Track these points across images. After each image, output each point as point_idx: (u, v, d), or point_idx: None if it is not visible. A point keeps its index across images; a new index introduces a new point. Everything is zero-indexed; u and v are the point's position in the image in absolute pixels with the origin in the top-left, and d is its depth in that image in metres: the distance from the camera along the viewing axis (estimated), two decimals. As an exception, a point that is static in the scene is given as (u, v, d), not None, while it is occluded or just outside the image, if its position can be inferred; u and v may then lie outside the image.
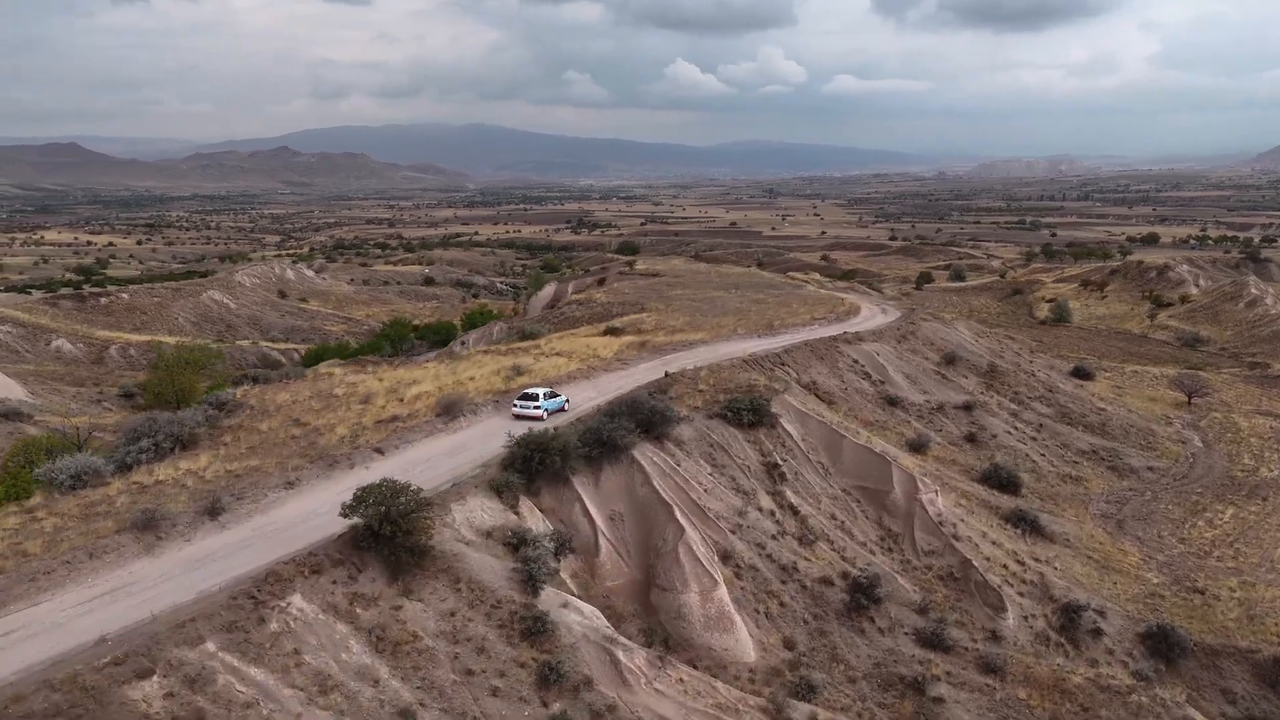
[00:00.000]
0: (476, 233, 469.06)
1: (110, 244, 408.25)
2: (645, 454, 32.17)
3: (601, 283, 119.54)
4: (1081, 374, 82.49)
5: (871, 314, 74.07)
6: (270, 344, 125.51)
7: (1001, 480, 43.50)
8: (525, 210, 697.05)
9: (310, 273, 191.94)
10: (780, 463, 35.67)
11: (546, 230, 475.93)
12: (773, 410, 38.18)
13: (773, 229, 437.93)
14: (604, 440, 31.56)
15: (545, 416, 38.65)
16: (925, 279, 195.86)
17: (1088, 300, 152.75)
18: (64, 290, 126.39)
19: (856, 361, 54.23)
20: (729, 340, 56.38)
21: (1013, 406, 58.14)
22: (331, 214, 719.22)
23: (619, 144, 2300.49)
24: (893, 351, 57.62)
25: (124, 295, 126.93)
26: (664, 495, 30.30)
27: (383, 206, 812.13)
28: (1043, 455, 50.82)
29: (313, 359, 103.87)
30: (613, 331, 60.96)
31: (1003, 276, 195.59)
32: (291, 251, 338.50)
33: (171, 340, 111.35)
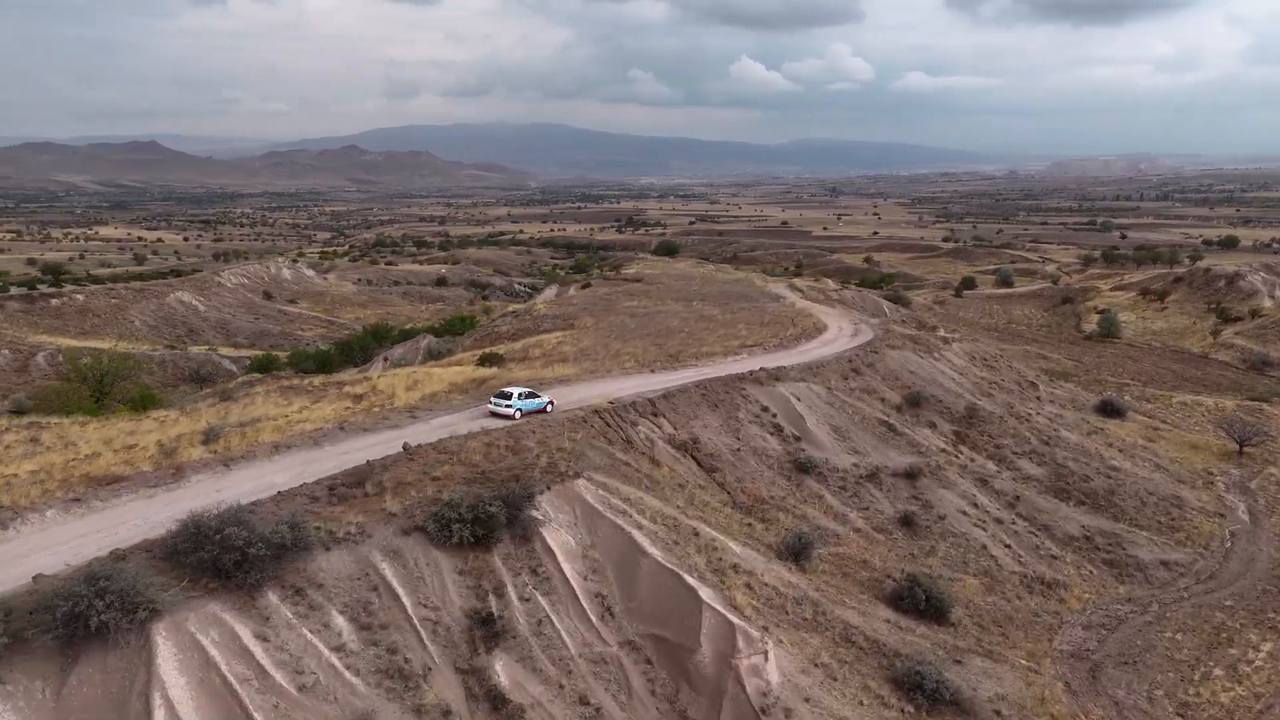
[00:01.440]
0: (521, 230, 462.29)
1: (159, 240, 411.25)
2: (193, 627, 18.62)
3: (585, 287, 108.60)
4: (1109, 410, 67.54)
5: (835, 337, 60.58)
6: (233, 349, 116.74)
7: (919, 603, 29.85)
8: (578, 209, 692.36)
9: (310, 272, 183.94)
10: (500, 613, 22.48)
11: (591, 229, 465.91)
12: (534, 513, 25.72)
13: (824, 229, 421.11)
14: (76, 614, 17.44)
15: (518, 416, 37.10)
16: (968, 284, 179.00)
17: (1144, 312, 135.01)
18: (14, 290, 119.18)
19: (766, 409, 41.08)
20: (612, 377, 43.75)
21: (986, 468, 44.22)
22: (389, 211, 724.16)
23: (683, 142, 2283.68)
24: (824, 394, 44.25)
25: (79, 297, 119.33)
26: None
27: (441, 204, 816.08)
28: (1007, 547, 36.98)
29: (258, 367, 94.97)
30: (489, 360, 48.90)
31: (1054, 282, 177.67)
32: (328, 249, 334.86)
33: (107, 346, 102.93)
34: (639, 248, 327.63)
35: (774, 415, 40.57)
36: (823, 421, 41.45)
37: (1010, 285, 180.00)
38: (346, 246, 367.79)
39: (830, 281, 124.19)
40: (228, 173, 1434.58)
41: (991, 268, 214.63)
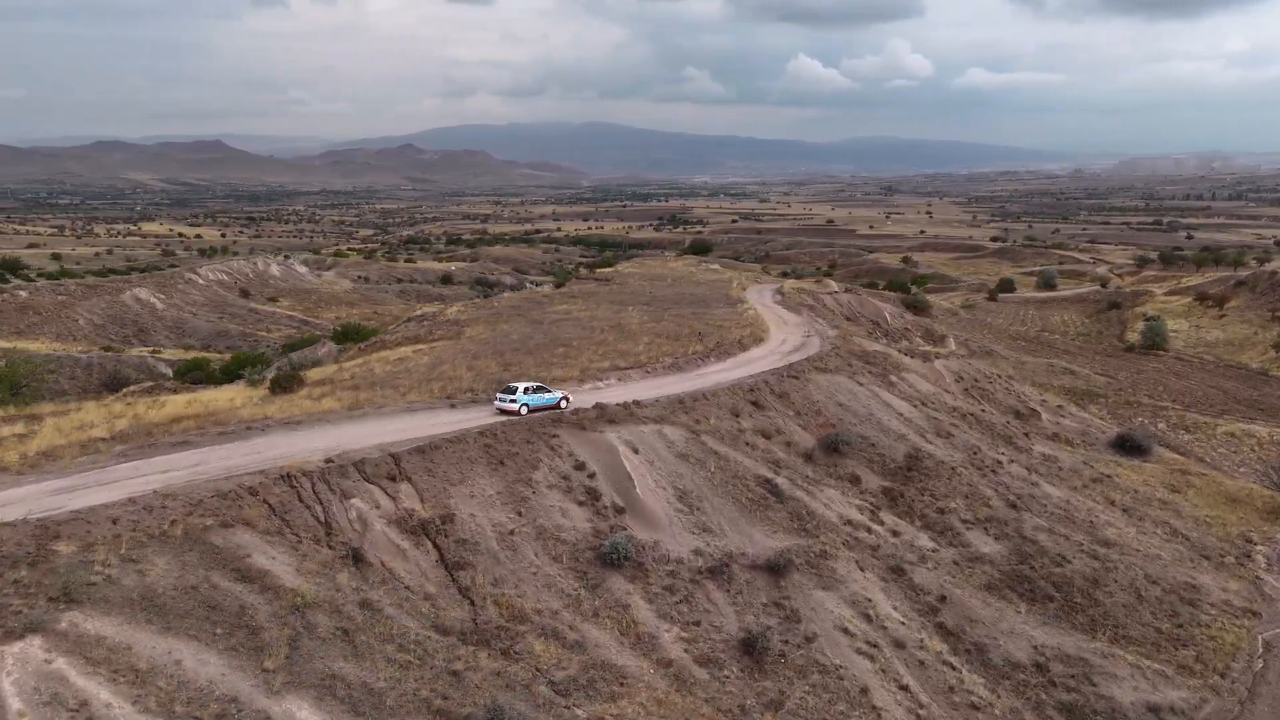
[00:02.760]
0: (559, 229, 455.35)
1: (198, 236, 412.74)
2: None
3: (559, 286, 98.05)
4: (1127, 447, 54.12)
5: (764, 354, 48.31)
6: (182, 351, 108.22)
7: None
8: (624, 207, 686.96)
9: (302, 269, 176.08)
10: None
11: (629, 227, 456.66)
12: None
13: (870, 227, 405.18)
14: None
15: (523, 412, 35.19)
16: (1005, 287, 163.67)
17: (1199, 319, 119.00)
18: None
19: (581, 467, 29.19)
20: (393, 414, 32.15)
21: (914, 547, 31.69)
22: (438, 210, 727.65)
23: (737, 141, 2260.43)
24: (682, 442, 32.05)
25: (21, 294, 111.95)
26: None
27: (490, 203, 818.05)
28: (903, 691, 24.47)
29: (185, 372, 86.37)
30: (281, 384, 37.81)
31: (1103, 285, 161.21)
32: (352, 246, 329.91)
33: (36, 345, 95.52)
34: (672, 246, 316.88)
35: (590, 475, 28.66)
36: (664, 484, 29.36)
37: (1053, 288, 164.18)
38: (371, 243, 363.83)
39: (834, 284, 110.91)
40: (287, 171, 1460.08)
41: (1037, 269, 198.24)
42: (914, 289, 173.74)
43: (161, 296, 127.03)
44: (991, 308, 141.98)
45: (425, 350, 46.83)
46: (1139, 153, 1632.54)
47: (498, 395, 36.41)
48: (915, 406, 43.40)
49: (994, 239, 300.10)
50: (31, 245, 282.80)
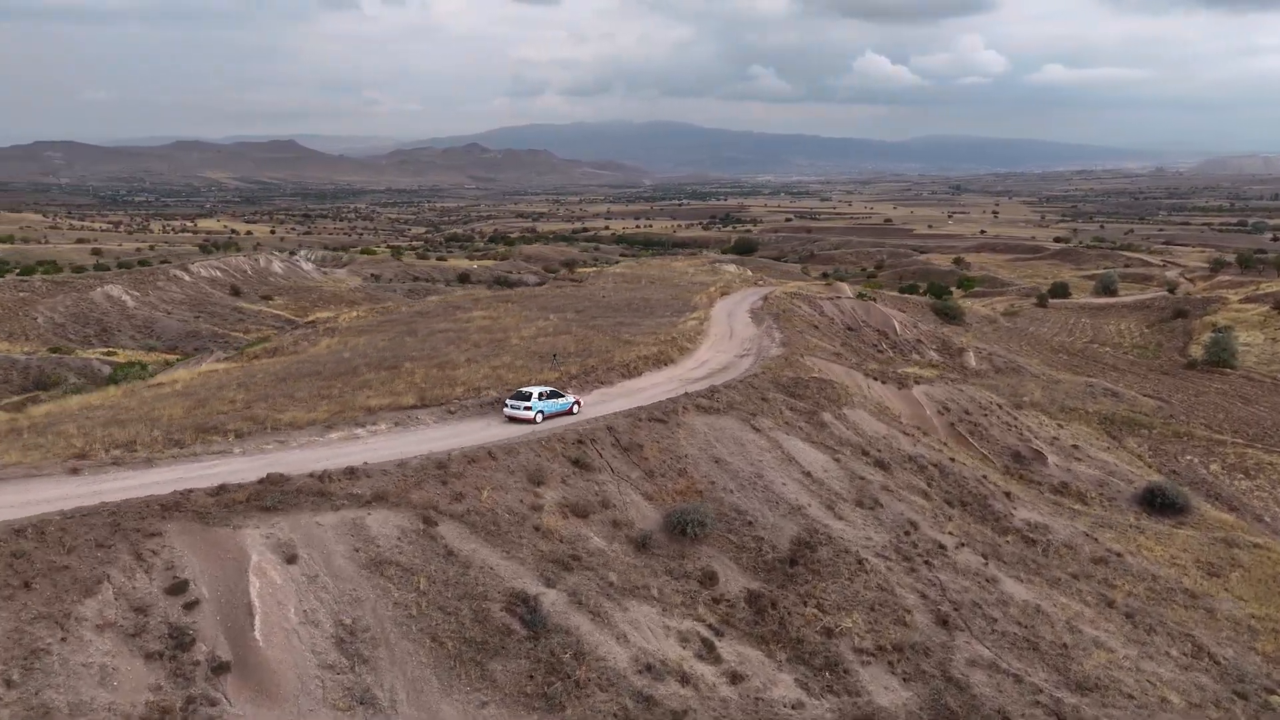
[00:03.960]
0: (607, 227, 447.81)
1: (249, 233, 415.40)
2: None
3: (540, 284, 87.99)
4: (1158, 504, 41.89)
5: (665, 380, 37.39)
6: (143, 352, 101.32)
7: None
8: (679, 206, 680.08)
9: (307, 266, 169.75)
10: None
11: (677, 226, 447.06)
12: None
13: (929, 227, 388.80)
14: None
15: (539, 419, 32.74)
16: (1058, 291, 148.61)
17: (1277, 332, 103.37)
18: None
19: (179, 588, 18.23)
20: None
21: (757, 709, 20.31)
22: (495, 208, 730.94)
23: (803, 139, 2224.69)
24: (394, 539, 20.91)
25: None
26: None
27: (548, 201, 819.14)
28: None
29: (121, 375, 79.07)
30: None
31: (1171, 291, 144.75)
32: (399, 244, 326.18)
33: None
34: (716, 245, 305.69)
35: (189, 605, 17.81)
36: (320, 617, 18.35)
37: (1112, 293, 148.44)
38: (416, 241, 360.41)
39: (848, 289, 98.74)
40: (356, 170, 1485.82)
41: (1097, 272, 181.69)
42: (957, 292, 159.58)
43: (135, 294, 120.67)
44: (1039, 315, 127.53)
45: (239, 370, 37.26)
46: (1225, 151, 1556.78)
47: (508, 401, 33.17)
48: (837, 460, 31.94)
49: (1057, 239, 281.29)
50: (80, 241, 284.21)
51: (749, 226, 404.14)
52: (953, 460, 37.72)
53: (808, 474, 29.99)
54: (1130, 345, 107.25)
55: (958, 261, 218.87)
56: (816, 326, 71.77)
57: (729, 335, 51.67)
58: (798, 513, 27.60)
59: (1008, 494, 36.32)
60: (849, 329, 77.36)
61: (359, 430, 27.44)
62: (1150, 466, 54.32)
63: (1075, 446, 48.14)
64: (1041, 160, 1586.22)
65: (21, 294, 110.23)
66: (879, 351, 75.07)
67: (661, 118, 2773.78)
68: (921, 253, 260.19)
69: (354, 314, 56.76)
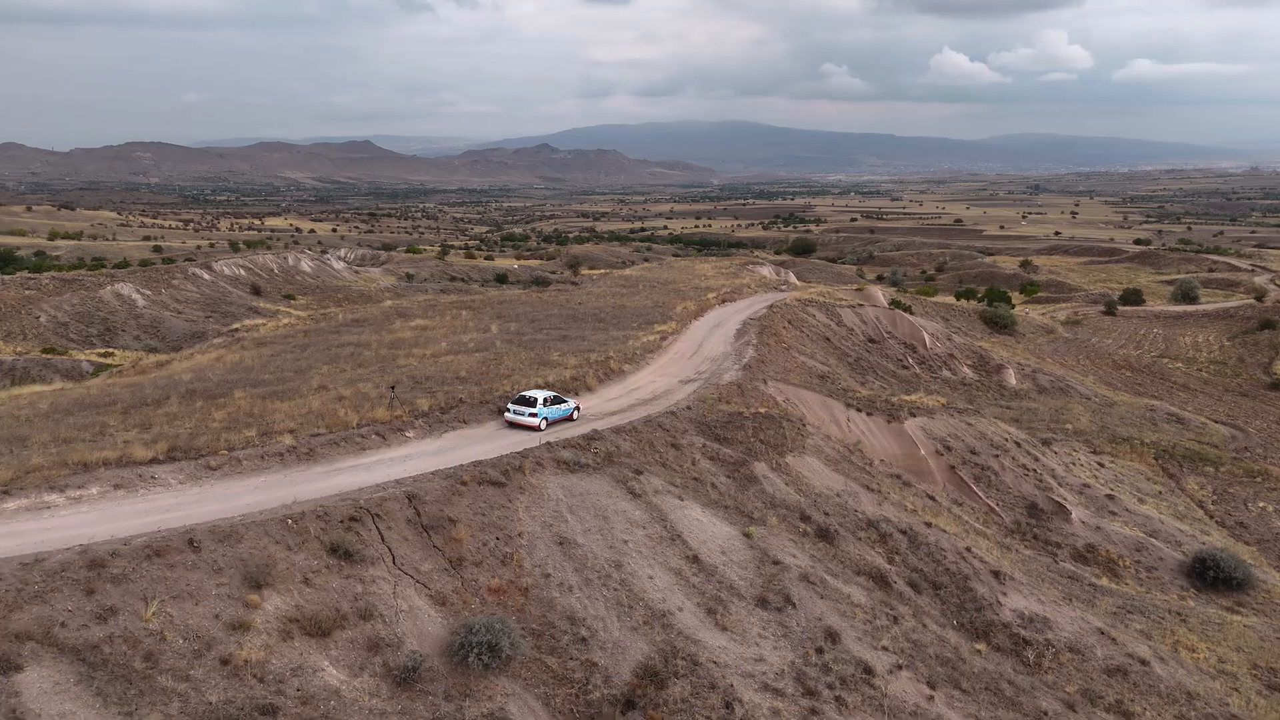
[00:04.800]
0: (665, 227, 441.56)
1: (311, 230, 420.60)
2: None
3: (546, 287, 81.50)
4: (1211, 579, 32.95)
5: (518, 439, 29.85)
6: (141, 353, 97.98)
7: None
8: (743, 205, 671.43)
9: (338, 265, 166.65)
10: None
11: (736, 225, 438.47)
12: None
13: (1001, 227, 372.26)
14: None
15: (544, 426, 31.38)
16: (1130, 298, 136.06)
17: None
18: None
19: None
20: None
21: None
22: (560, 207, 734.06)
23: (877, 138, 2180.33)
24: None
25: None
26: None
27: (613, 201, 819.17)
28: None
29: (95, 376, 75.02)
30: None
31: (1259, 299, 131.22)
32: (455, 242, 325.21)
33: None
34: (774, 245, 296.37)
35: None
36: None
37: (1191, 300, 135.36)
38: (472, 240, 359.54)
39: (880, 295, 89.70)
40: (429, 170, 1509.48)
41: (1177, 277, 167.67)
42: (1017, 298, 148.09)
43: (147, 293, 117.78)
44: (1104, 324, 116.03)
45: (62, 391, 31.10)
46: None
47: (511, 406, 32.14)
48: (747, 536, 23.97)
49: (1137, 241, 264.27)
50: (145, 238, 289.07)
51: (809, 227, 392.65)
52: (929, 525, 29.43)
53: (694, 559, 22.18)
54: (1206, 361, 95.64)
55: (1025, 264, 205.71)
56: (828, 339, 63.40)
57: (692, 353, 44.09)
58: (658, 621, 19.90)
59: (997, 573, 27.90)
60: (870, 341, 68.74)
61: (54, 496, 20.69)
62: (1210, 517, 44.81)
63: (1111, 496, 39.07)
64: (1128, 159, 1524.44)
65: (27, 291, 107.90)
66: (903, 367, 66.38)
67: (733, 117, 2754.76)
68: (988, 255, 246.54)
69: (286, 321, 50.88)
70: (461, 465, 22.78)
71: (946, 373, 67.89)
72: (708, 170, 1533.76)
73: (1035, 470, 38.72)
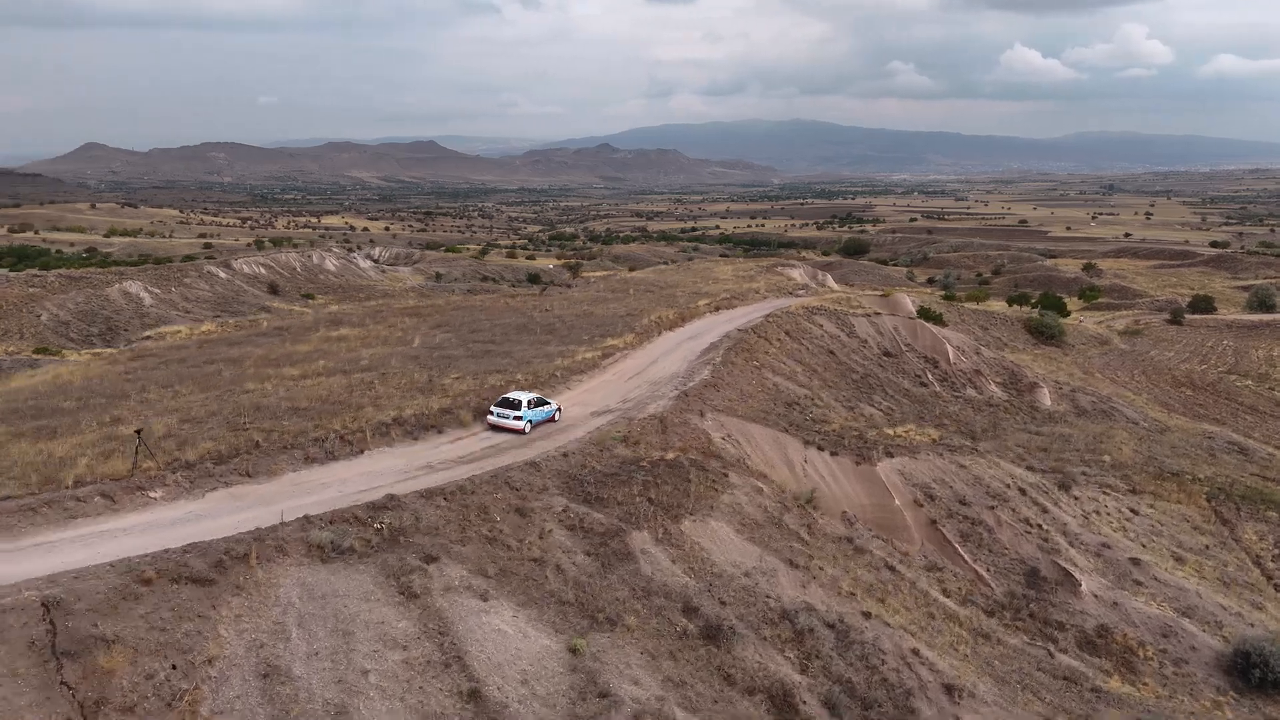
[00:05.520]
0: (717, 227, 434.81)
1: (365, 229, 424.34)
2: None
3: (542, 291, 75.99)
4: (1259, 678, 25.08)
5: (392, 463, 23.39)
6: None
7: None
8: (801, 204, 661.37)
9: (365, 264, 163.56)
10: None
11: (789, 225, 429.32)
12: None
13: (1068, 228, 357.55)
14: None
15: (528, 429, 31.19)
16: (1199, 306, 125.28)
17: None
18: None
19: None
20: None
21: None
22: (616, 207, 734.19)
23: (945, 137, 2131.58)
24: None
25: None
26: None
27: (670, 200, 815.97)
28: None
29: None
30: None
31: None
32: (499, 241, 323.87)
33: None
34: (827, 245, 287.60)
35: None
36: None
37: (1270, 309, 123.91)
38: (521, 239, 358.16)
39: (908, 300, 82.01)
40: (492, 170, 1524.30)
41: (1255, 282, 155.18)
42: (1075, 304, 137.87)
43: (155, 291, 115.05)
44: (1167, 335, 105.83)
45: None
46: None
47: (494, 409, 31.55)
48: (573, 652, 17.42)
49: (1213, 244, 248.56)
50: (201, 235, 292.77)
51: (865, 227, 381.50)
52: (869, 615, 22.53)
53: (472, 695, 15.51)
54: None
55: (1088, 268, 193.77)
56: (832, 353, 56.33)
57: (633, 374, 37.75)
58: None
59: (951, 687, 20.88)
60: (886, 355, 61.38)
61: None
62: (1269, 580, 36.86)
63: (1136, 561, 31.51)
64: (1209, 158, 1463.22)
65: (31, 289, 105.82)
66: (921, 384, 58.91)
67: (796, 116, 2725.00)
68: (1049, 257, 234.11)
69: (205, 328, 46.07)
70: (168, 550, 16.77)
71: (971, 391, 60.21)
72: (769, 170, 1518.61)
73: (1041, 525, 31.45)
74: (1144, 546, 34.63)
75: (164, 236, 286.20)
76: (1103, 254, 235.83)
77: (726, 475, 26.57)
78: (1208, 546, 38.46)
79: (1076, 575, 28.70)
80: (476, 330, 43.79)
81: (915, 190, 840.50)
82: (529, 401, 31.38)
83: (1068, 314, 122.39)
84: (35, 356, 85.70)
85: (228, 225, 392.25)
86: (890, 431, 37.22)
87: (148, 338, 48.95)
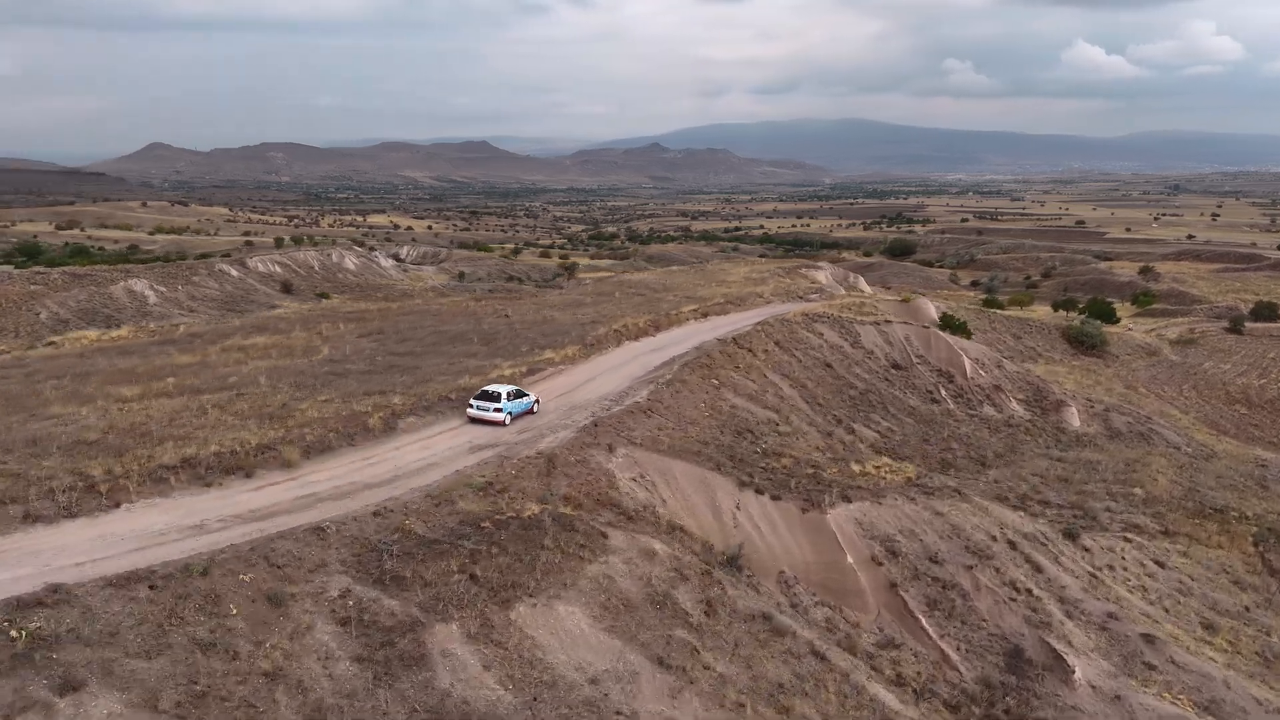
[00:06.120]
0: (761, 226, 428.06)
1: (409, 227, 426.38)
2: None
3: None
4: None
5: (174, 518, 18.51)
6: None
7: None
8: (850, 204, 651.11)
9: (386, 263, 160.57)
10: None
11: (834, 225, 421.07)
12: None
13: (1128, 230, 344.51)
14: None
15: (509, 421, 31.59)
16: (1264, 312, 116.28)
17: None
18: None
19: None
20: None
21: None
22: (662, 206, 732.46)
23: (1002, 136, 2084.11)
24: None
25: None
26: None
27: (717, 200, 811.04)
28: None
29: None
30: None
31: None
32: (543, 241, 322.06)
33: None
34: (871, 245, 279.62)
35: None
36: None
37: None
38: (562, 239, 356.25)
39: (930, 306, 75.73)
40: (541, 169, 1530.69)
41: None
42: (1127, 310, 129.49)
43: (161, 289, 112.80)
44: (1225, 344, 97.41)
45: None
46: None
47: (474, 402, 31.73)
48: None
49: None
50: (245, 234, 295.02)
51: (913, 227, 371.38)
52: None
53: None
54: (1351, 395, 77.32)
55: (1144, 271, 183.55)
56: (829, 365, 50.61)
57: (556, 395, 32.61)
58: None
59: None
60: (894, 367, 55.41)
61: None
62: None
63: (1149, 638, 25.43)
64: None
65: (34, 286, 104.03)
66: (931, 401, 52.87)
67: (850, 115, 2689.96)
68: (1105, 259, 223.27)
69: (117, 334, 42.25)
70: None
71: (989, 409, 53.95)
72: (821, 169, 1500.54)
73: (1032, 590, 25.60)
74: (1166, 611, 28.49)
75: (209, 234, 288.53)
76: (1162, 256, 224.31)
77: (605, 536, 21.17)
78: (1248, 608, 32.12)
79: (1069, 659, 22.89)
80: (406, 339, 39.06)
81: (970, 190, 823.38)
82: (508, 394, 31.48)
83: (1116, 320, 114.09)
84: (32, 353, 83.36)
85: (274, 223, 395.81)
86: (856, 468, 31.30)
87: (51, 343, 45.35)
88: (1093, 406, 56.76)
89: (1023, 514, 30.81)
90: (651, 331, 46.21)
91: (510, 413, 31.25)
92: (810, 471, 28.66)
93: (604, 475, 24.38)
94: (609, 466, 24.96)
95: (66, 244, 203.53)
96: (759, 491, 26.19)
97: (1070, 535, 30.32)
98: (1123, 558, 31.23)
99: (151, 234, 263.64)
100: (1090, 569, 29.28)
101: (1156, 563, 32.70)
